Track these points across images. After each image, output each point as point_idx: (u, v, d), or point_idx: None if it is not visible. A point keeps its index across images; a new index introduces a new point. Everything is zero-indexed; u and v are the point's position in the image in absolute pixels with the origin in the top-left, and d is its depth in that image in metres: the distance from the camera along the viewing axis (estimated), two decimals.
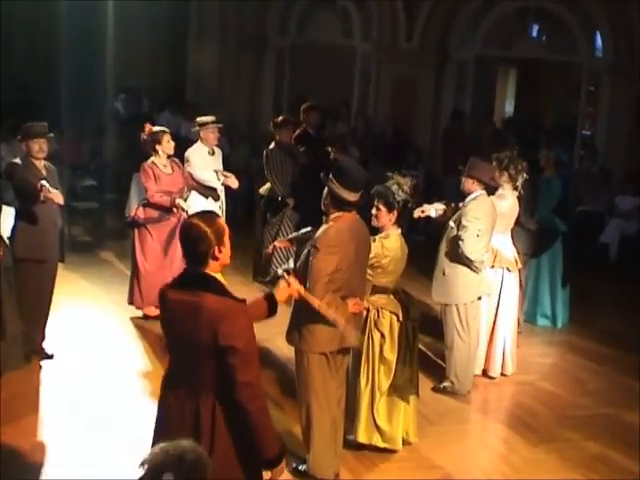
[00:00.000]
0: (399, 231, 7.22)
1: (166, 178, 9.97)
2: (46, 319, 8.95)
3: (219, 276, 4.67)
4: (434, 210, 8.91)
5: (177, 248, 9.85)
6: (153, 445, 4.29)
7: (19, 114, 12.67)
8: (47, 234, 8.69)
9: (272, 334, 8.96)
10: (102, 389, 8.37)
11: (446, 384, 8.73)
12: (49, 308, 8.96)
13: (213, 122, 10.97)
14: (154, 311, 9.71)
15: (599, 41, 16.36)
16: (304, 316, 6.42)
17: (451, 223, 8.51)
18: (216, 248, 4.60)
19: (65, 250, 9.44)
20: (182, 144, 11.07)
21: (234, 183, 10.97)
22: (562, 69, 19.52)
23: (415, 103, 17.40)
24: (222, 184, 10.95)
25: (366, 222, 6.79)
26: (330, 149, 11.89)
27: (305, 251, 6.52)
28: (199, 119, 11.07)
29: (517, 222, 9.56)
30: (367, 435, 7.23)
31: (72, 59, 16.82)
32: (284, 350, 8.49)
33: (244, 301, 4.62)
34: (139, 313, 10.25)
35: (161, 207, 9.93)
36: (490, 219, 8.50)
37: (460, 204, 8.58)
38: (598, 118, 16.51)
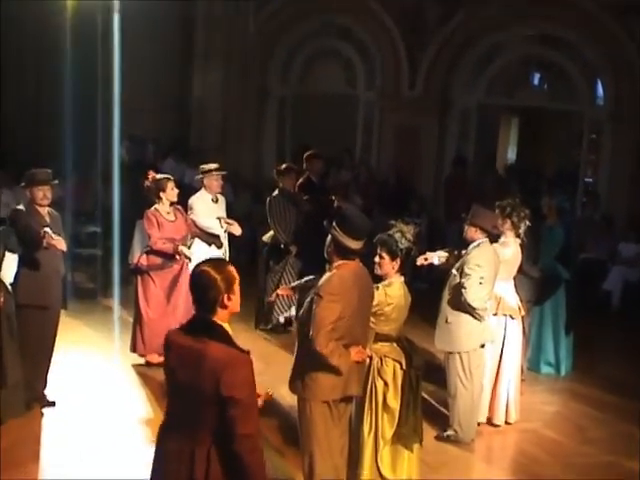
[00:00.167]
0: (402, 279, 7.21)
1: (169, 225, 9.99)
2: (48, 366, 8.93)
3: (226, 325, 4.67)
4: (437, 258, 8.91)
5: (180, 295, 9.88)
6: None
7: (23, 161, 12.74)
8: (50, 281, 8.69)
9: (274, 382, 8.93)
10: (104, 436, 8.32)
11: (449, 432, 8.68)
12: (51, 355, 8.94)
13: (217, 170, 11.02)
14: (157, 358, 9.70)
15: (600, 89, 16.49)
16: (307, 364, 6.42)
17: (454, 271, 8.51)
18: (225, 296, 4.61)
19: (68, 297, 9.46)
20: (186, 191, 11.11)
21: (237, 230, 10.98)
22: (564, 117, 19.62)
23: (418, 150, 17.49)
24: (225, 231, 10.97)
25: (369, 270, 6.80)
26: (333, 197, 11.93)
27: (308, 299, 6.52)
28: (203, 167, 11.12)
29: (520, 270, 9.55)
30: None
31: (76, 106, 16.89)
32: (287, 398, 8.43)
33: (248, 352, 4.60)
34: (141, 360, 10.23)
35: (164, 254, 9.93)
36: (493, 267, 8.50)
37: (463, 252, 8.59)
38: (600, 165, 16.60)
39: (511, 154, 21.44)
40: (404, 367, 7.13)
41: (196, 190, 11.18)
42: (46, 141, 17.44)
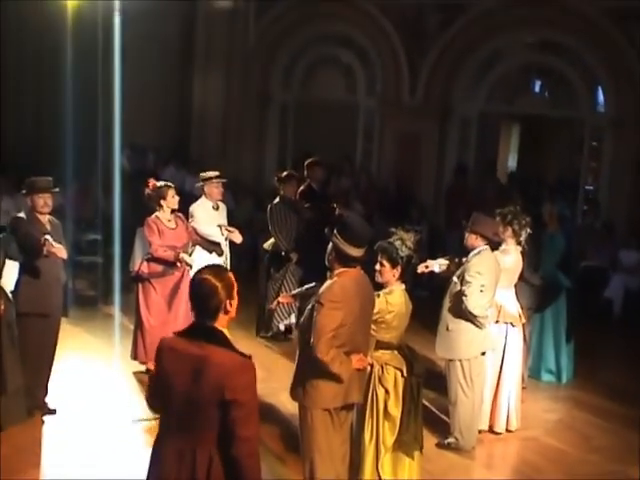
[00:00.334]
0: (403, 287, 7.21)
1: (170, 233, 9.97)
2: (49, 374, 8.92)
3: (226, 331, 4.69)
4: (438, 265, 8.90)
5: (181, 303, 9.86)
6: None
7: (24, 168, 12.74)
8: (50, 288, 8.69)
9: (275, 389, 8.97)
10: (104, 443, 8.32)
11: (450, 440, 8.67)
12: (52, 363, 8.94)
13: (217, 177, 11.02)
14: None
15: (601, 96, 16.49)
16: (308, 372, 6.41)
17: (454, 278, 8.51)
18: (227, 302, 4.64)
19: (69, 304, 9.46)
20: (186, 199, 11.09)
21: (238, 238, 10.98)
22: (564, 124, 19.64)
23: (418, 158, 17.50)
24: (226, 239, 10.97)
25: (370, 277, 6.80)
26: (334, 205, 11.93)
27: (309, 306, 6.52)
28: (203, 174, 11.12)
29: (521, 277, 9.55)
30: None
31: (77, 110, 16.90)
32: (287, 406, 8.45)
33: (250, 357, 4.62)
34: (142, 367, 10.21)
35: (165, 262, 9.92)
36: (493, 274, 8.49)
37: (463, 259, 8.58)
38: (601, 173, 16.60)
39: (512, 161, 21.45)
40: (405, 375, 7.13)
41: (197, 198, 11.18)
42: (46, 147, 17.44)
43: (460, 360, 8.47)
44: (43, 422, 8.69)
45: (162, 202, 9.99)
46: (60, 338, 9.00)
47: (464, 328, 8.40)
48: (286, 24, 18.73)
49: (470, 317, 8.30)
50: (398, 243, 7.18)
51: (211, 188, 10.95)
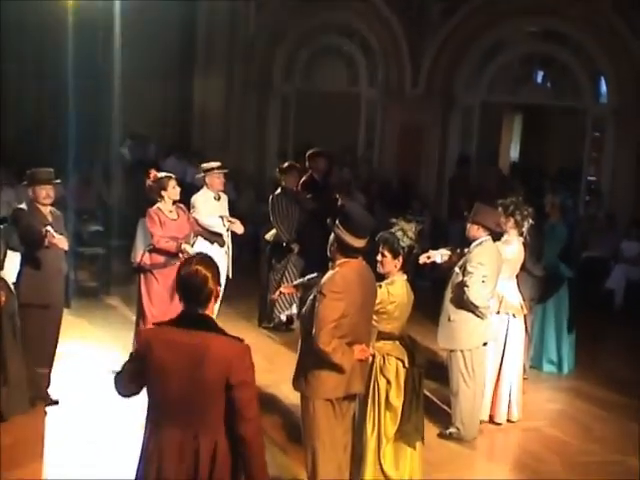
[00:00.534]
0: (405, 277, 7.20)
1: (172, 224, 9.95)
2: (51, 364, 8.94)
3: (214, 316, 4.84)
4: (439, 256, 8.88)
5: None
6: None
7: (25, 159, 12.75)
8: (52, 279, 8.70)
9: (277, 380, 8.98)
10: (107, 434, 8.33)
11: (452, 430, 8.68)
12: (54, 353, 8.95)
13: (218, 168, 10.99)
14: None
15: (603, 86, 16.46)
16: (310, 362, 6.42)
17: (456, 269, 8.51)
18: (216, 289, 4.78)
19: (71, 295, 9.47)
20: (188, 190, 11.07)
21: (239, 229, 10.96)
22: (567, 114, 19.59)
23: (420, 148, 17.47)
24: (228, 230, 10.95)
25: (372, 268, 6.79)
26: (336, 195, 11.93)
27: (311, 297, 6.51)
28: (204, 165, 11.10)
29: (523, 268, 9.55)
30: None
31: (79, 105, 16.91)
32: (289, 396, 8.44)
33: (242, 340, 4.71)
34: None
35: (167, 253, 9.88)
36: (495, 265, 8.49)
37: (465, 250, 8.58)
38: (603, 163, 16.58)
39: (514, 152, 21.41)
40: (406, 365, 7.13)
41: (198, 188, 11.16)
42: (47, 141, 17.46)
43: (462, 350, 8.48)
44: (46, 413, 8.70)
45: (163, 193, 9.96)
46: (62, 329, 9.01)
47: (466, 319, 8.40)
48: (288, 14, 18.69)
49: (472, 308, 8.30)
50: (399, 233, 7.19)
51: (212, 179, 10.92)
